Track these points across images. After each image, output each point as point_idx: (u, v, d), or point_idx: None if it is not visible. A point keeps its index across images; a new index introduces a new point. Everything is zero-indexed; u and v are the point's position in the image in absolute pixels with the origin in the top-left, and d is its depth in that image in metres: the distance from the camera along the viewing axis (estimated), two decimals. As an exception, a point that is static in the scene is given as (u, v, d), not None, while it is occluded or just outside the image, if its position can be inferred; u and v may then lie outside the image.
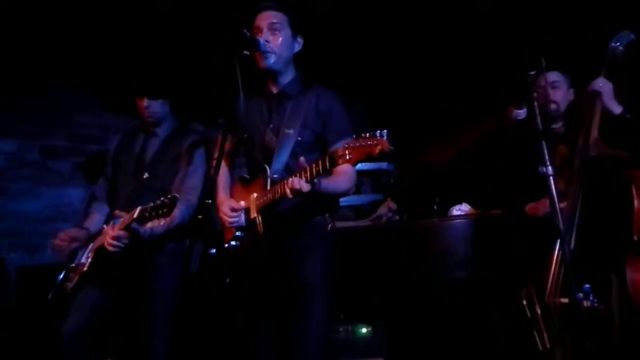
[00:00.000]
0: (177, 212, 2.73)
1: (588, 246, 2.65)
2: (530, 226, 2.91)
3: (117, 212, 2.76)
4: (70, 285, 2.85)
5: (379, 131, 1.87)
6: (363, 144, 1.87)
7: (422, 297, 3.25)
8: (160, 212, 2.49)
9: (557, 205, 2.28)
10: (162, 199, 2.49)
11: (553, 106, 2.85)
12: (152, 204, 2.52)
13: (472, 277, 3.23)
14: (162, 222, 2.55)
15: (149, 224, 2.57)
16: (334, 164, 1.96)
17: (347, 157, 1.89)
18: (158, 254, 2.82)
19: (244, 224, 2.35)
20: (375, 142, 1.86)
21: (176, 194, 2.50)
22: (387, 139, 1.85)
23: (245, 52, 2.27)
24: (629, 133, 2.62)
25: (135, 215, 2.58)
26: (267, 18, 2.36)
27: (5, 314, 3.30)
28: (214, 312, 2.47)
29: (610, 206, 2.71)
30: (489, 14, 3.47)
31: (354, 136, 1.90)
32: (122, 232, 2.68)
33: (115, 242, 2.68)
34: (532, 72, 2.39)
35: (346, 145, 1.90)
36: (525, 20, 3.40)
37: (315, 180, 2.07)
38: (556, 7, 3.38)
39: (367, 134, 1.88)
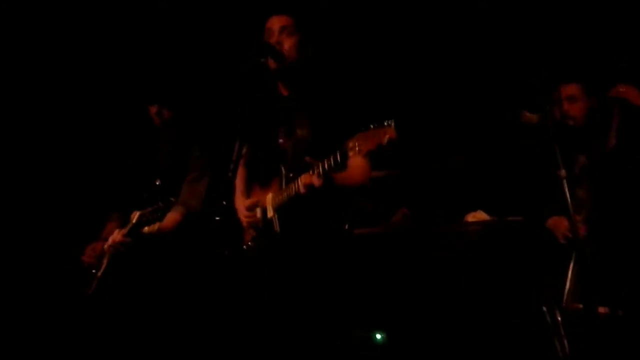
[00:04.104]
0: (178, 216, 2.84)
1: (607, 252, 2.63)
2: (548, 232, 2.90)
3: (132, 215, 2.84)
4: (89, 290, 2.94)
5: (386, 121, 1.88)
6: (371, 134, 1.89)
7: (438, 303, 3.23)
8: (156, 216, 2.60)
9: (571, 208, 2.28)
10: (159, 203, 2.58)
11: (571, 122, 2.84)
12: (149, 209, 2.62)
13: (490, 283, 3.21)
14: (156, 226, 2.65)
15: (147, 228, 2.68)
16: (345, 157, 1.98)
17: (357, 149, 1.91)
18: (165, 256, 2.88)
19: (261, 224, 2.37)
20: (383, 131, 1.87)
21: (172, 199, 2.60)
22: (394, 127, 1.86)
23: (262, 58, 2.32)
24: None
25: (134, 220, 2.69)
26: (279, 22, 2.40)
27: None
28: (227, 312, 2.49)
29: (629, 212, 2.70)
30: (503, 19, 3.48)
31: (362, 128, 1.92)
32: (123, 238, 2.80)
33: (115, 246, 2.80)
34: (544, 77, 2.40)
35: (355, 137, 1.92)
36: (540, 26, 3.41)
37: (328, 174, 2.08)
38: (570, 13, 3.38)
39: (375, 125, 1.90)
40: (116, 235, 2.85)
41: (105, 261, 2.92)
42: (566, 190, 2.35)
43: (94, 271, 2.94)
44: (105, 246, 2.90)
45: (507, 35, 3.52)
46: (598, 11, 3.30)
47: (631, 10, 3.17)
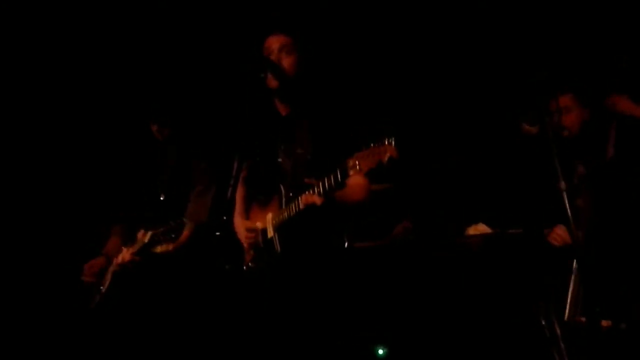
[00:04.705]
0: (187, 232, 2.85)
1: (607, 262, 2.63)
2: (548, 245, 2.89)
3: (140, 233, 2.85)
4: (91, 305, 2.97)
5: (386, 139, 1.90)
6: (372, 152, 1.91)
7: (439, 316, 3.22)
8: (169, 236, 2.61)
9: (571, 221, 2.28)
10: (171, 223, 2.59)
11: (565, 132, 2.85)
12: (162, 229, 2.65)
13: (492, 296, 3.20)
14: (171, 247, 2.68)
15: (159, 248, 2.70)
16: (345, 175, 2.00)
17: (358, 168, 1.93)
18: (171, 272, 2.89)
19: (261, 244, 2.37)
20: (383, 149, 1.89)
21: (185, 219, 2.62)
22: (395, 146, 1.87)
23: (261, 74, 2.34)
24: None
25: (146, 240, 2.72)
26: (278, 40, 2.42)
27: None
28: (230, 330, 2.48)
29: (629, 223, 2.69)
30: (504, 27, 3.49)
31: (363, 147, 1.93)
32: (132, 257, 2.82)
33: (124, 265, 2.83)
34: (543, 77, 2.42)
35: (355, 156, 1.93)
36: (538, 38, 3.42)
37: (329, 193, 2.09)
38: (569, 25, 3.40)
39: (376, 143, 1.91)
40: (125, 254, 2.86)
41: (109, 277, 2.92)
42: (567, 202, 2.35)
43: (99, 287, 2.96)
44: (114, 264, 2.91)
45: (504, 43, 3.53)
46: (596, 18, 3.31)
47: (630, 13, 3.17)
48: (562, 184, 2.32)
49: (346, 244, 2.41)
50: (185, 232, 2.87)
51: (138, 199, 3.10)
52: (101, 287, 2.97)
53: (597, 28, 3.25)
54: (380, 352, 3.16)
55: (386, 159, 1.88)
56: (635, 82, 2.71)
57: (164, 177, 3.08)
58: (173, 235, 2.66)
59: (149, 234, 2.71)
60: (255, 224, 2.40)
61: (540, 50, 3.30)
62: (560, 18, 3.39)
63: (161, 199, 3.01)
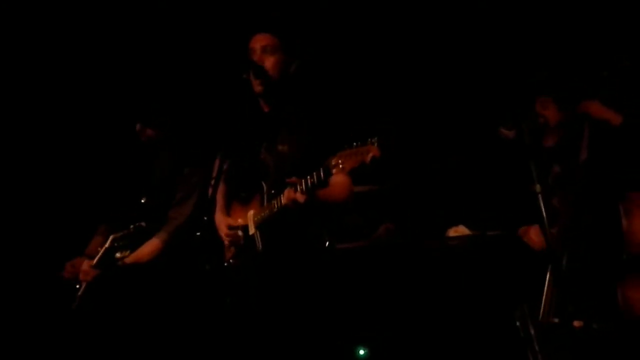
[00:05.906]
0: (158, 246, 2.83)
1: (581, 263, 2.68)
2: (525, 246, 2.95)
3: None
4: (74, 304, 2.93)
5: (369, 139, 1.92)
6: (355, 152, 1.93)
7: (417, 317, 3.26)
8: (126, 242, 2.59)
9: (546, 223, 2.33)
10: (131, 227, 2.54)
11: (541, 119, 2.91)
12: (120, 234, 2.60)
13: (467, 297, 3.25)
14: (127, 257, 2.63)
15: (118, 254, 2.67)
16: (328, 174, 2.02)
17: (341, 167, 1.95)
18: (151, 275, 2.87)
19: (242, 241, 2.39)
20: (366, 149, 1.91)
21: (142, 223, 2.57)
22: (377, 145, 1.90)
23: (244, 75, 2.36)
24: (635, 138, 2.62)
25: (107, 245, 2.66)
26: (260, 40, 2.43)
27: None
28: (211, 329, 2.49)
29: (601, 225, 2.74)
30: (488, 30, 3.54)
31: (346, 146, 1.96)
32: (90, 271, 2.79)
33: (86, 276, 2.80)
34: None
35: (338, 155, 1.96)
36: (520, 40, 3.47)
37: (311, 191, 2.11)
38: (551, 30, 3.45)
39: (359, 143, 1.94)
40: (85, 266, 2.85)
41: (83, 283, 2.93)
42: (541, 204, 2.41)
43: (77, 286, 2.95)
44: (80, 276, 2.89)
45: (488, 50, 3.58)
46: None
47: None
48: (537, 187, 2.39)
49: (327, 243, 2.43)
50: (154, 245, 2.82)
51: (123, 200, 3.09)
52: (78, 291, 2.96)
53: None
54: (361, 352, 3.19)
55: (369, 159, 1.90)
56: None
57: (155, 180, 3.03)
58: (132, 240, 2.58)
59: (110, 238, 2.64)
60: (237, 220, 2.41)
61: (533, 53, 3.35)
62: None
63: (142, 201, 2.99)
